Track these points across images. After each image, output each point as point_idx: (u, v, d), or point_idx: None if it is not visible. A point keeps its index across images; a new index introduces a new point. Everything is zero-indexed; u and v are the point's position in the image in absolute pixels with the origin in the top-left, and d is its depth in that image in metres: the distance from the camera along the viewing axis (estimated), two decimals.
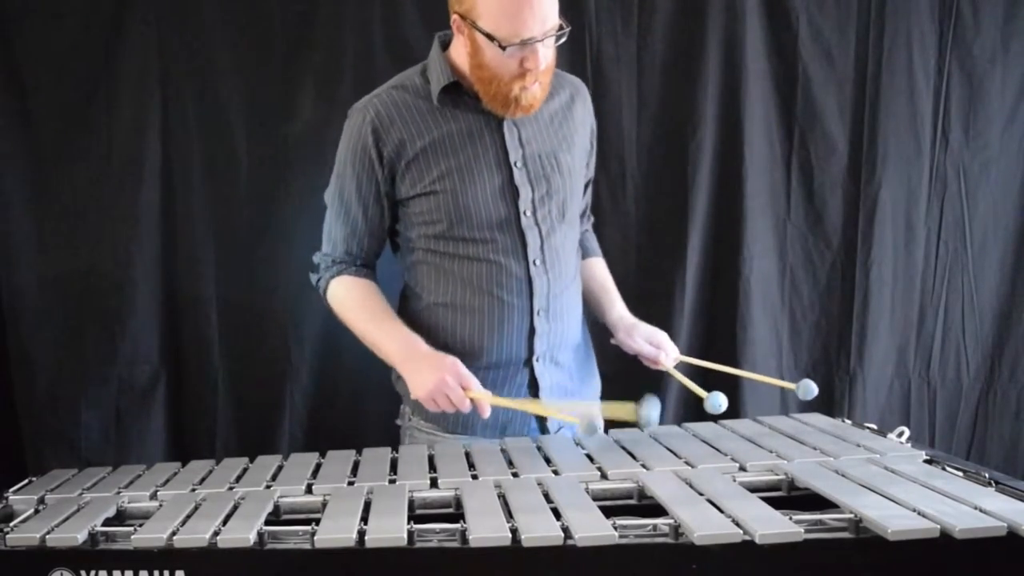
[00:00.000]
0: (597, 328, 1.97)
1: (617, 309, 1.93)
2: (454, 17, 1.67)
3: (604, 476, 1.47)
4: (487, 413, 1.65)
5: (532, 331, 1.78)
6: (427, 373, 1.65)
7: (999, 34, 2.54)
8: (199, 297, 2.46)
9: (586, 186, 1.97)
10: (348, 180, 1.78)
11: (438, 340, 1.76)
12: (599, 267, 2.01)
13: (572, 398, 1.85)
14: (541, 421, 1.82)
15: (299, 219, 2.44)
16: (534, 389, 1.80)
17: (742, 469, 1.48)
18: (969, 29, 2.52)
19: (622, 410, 1.68)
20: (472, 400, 1.64)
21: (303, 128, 2.44)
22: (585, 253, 1.99)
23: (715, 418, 1.79)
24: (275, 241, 2.45)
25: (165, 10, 2.38)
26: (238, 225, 2.46)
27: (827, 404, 2.54)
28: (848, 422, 1.81)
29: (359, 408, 2.49)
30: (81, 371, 2.44)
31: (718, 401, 1.71)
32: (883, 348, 2.60)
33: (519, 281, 1.76)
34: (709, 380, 1.82)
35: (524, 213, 1.75)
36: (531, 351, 1.79)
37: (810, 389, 1.80)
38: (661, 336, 1.87)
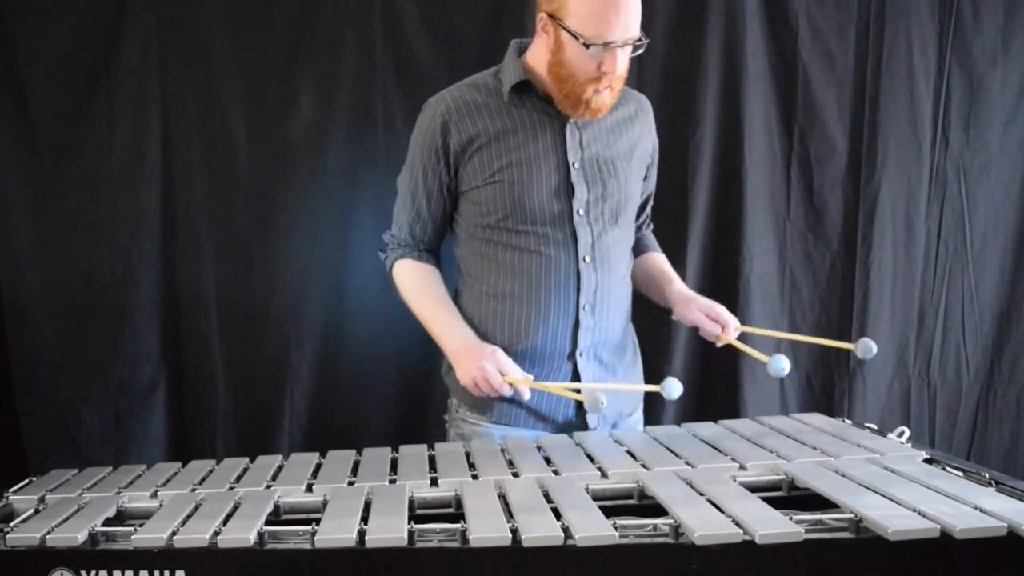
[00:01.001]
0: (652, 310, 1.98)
1: (675, 286, 1.99)
2: (541, 15, 1.75)
3: (604, 476, 1.47)
4: (527, 396, 1.78)
5: (577, 325, 1.82)
6: (470, 361, 1.76)
7: (999, 34, 2.53)
8: (199, 297, 2.46)
9: (646, 201, 2.04)
10: (416, 169, 1.87)
11: (486, 328, 1.84)
12: (658, 257, 2.08)
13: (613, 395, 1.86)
14: (581, 416, 1.85)
15: (299, 219, 2.45)
16: None
17: (742, 469, 1.49)
18: (969, 29, 2.52)
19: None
20: (512, 385, 1.75)
21: (303, 128, 2.43)
22: (646, 249, 2.07)
23: (715, 418, 1.79)
24: (275, 241, 2.45)
25: (165, 10, 2.38)
26: (238, 225, 2.45)
27: (827, 404, 2.54)
28: (848, 422, 1.81)
29: (359, 408, 2.49)
30: (81, 371, 2.44)
31: (780, 364, 1.74)
32: (883, 348, 2.59)
33: (568, 275, 1.81)
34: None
35: (577, 212, 1.81)
36: (575, 345, 1.83)
37: (869, 348, 1.79)
38: (719, 309, 1.90)
